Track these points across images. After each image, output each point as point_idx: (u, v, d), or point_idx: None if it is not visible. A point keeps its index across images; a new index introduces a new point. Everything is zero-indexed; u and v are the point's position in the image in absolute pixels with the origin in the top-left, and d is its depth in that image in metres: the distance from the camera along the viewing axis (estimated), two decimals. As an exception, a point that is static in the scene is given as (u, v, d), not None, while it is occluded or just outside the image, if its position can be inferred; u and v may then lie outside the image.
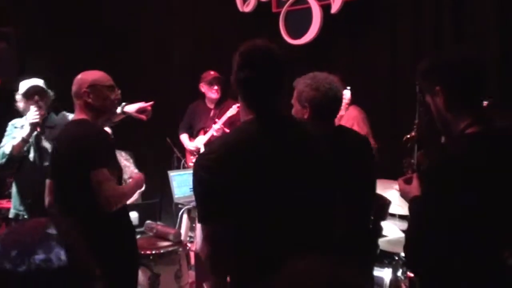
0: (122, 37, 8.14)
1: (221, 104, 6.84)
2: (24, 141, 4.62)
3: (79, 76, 3.81)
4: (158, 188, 7.24)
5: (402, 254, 4.02)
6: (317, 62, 5.72)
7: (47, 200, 3.81)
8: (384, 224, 3.53)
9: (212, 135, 6.68)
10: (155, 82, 7.98)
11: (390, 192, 4.32)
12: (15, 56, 6.61)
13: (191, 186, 6.24)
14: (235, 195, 2.23)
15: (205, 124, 6.87)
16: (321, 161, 2.43)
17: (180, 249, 4.98)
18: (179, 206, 6.02)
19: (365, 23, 6.33)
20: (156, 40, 8.24)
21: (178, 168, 6.99)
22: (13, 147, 4.63)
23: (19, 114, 4.87)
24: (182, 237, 5.32)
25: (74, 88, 3.76)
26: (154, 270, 4.72)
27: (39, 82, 4.79)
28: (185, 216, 6.01)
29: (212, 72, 6.80)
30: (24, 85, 4.76)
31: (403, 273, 4.07)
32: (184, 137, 7.05)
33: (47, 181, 3.84)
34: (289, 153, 2.32)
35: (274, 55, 2.39)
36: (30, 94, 4.68)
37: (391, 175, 4.58)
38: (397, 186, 4.35)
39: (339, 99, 3.18)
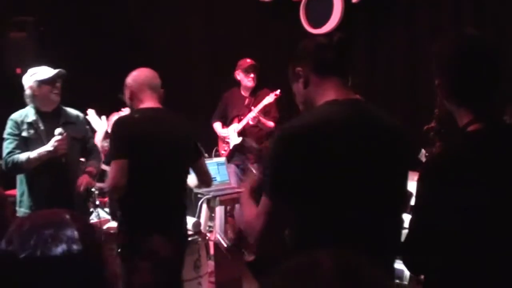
0: (140, 27, 8.14)
1: (257, 92, 6.77)
2: (39, 160, 4.32)
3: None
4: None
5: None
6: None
7: (122, 181, 3.74)
8: (405, 216, 3.50)
9: (247, 123, 6.61)
10: (174, 73, 7.97)
11: (411, 183, 4.27)
12: (34, 45, 6.64)
13: (212, 176, 6.25)
14: (310, 175, 2.20)
15: (240, 112, 6.77)
16: (399, 157, 2.42)
17: (200, 239, 4.99)
18: (199, 195, 6.02)
19: (386, 12, 6.28)
20: (174, 30, 8.22)
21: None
22: (29, 161, 4.33)
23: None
24: (202, 227, 5.32)
25: (159, 80, 4.12)
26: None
27: (52, 69, 4.54)
28: (204, 206, 6.00)
29: (248, 60, 6.70)
30: (41, 70, 4.52)
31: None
32: (217, 125, 6.98)
33: (122, 161, 3.74)
34: (373, 140, 2.30)
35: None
36: (54, 80, 4.48)
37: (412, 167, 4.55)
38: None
39: None
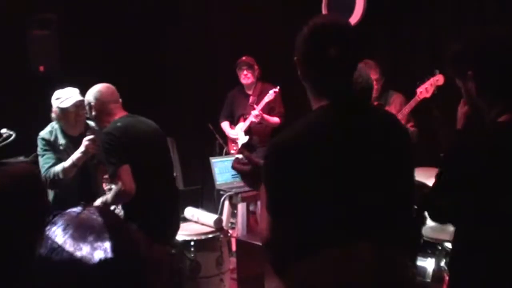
0: (164, 24, 8.15)
1: (259, 89, 6.78)
2: (75, 166, 4.43)
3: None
4: (200, 175, 7.26)
5: (446, 244, 3.94)
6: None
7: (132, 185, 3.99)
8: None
9: (252, 122, 6.64)
10: (197, 68, 7.98)
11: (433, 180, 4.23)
12: (57, 43, 6.67)
13: (233, 173, 6.27)
14: (307, 187, 2.09)
15: (244, 111, 6.83)
16: (398, 152, 2.28)
17: (222, 235, 4.99)
18: (221, 192, 6.02)
19: (410, 6, 6.23)
20: (197, 25, 8.21)
21: (220, 154, 6.99)
22: (64, 171, 4.43)
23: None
24: (224, 224, 5.32)
25: (117, 92, 4.31)
26: (195, 256, 4.73)
27: (76, 92, 4.57)
28: (226, 203, 6.00)
29: (244, 57, 6.74)
30: (64, 96, 4.54)
31: (446, 263, 4.00)
32: (225, 125, 7.03)
33: (128, 166, 3.99)
34: (367, 143, 2.18)
35: (351, 33, 2.22)
36: (77, 108, 4.51)
37: (434, 163, 4.51)
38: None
39: (370, 88, 3.15)
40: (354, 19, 6.37)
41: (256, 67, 6.74)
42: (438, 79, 4.98)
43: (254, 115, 6.55)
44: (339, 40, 2.16)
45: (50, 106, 4.61)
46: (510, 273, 2.18)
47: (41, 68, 6.32)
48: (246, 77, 6.73)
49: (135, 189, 3.99)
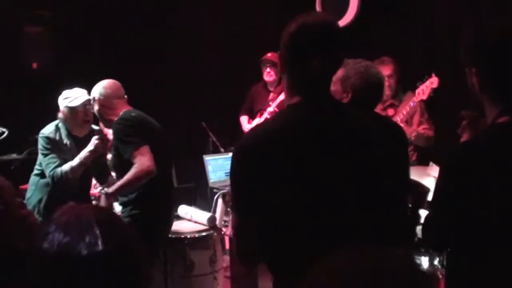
0: (159, 20, 8.13)
1: (281, 87, 6.76)
2: (83, 164, 4.37)
3: None
4: (193, 173, 7.25)
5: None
6: (355, 44, 5.64)
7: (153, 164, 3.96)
8: (422, 211, 3.49)
9: (266, 118, 6.63)
10: (190, 66, 7.96)
11: (428, 179, 4.24)
12: (50, 40, 6.65)
13: (227, 171, 6.28)
14: (272, 188, 2.08)
15: (263, 107, 6.80)
16: (372, 152, 2.26)
17: (215, 233, 4.98)
18: (214, 190, 6.02)
19: (403, 6, 6.23)
20: (194, 24, 8.19)
21: (213, 152, 6.97)
22: (73, 170, 4.36)
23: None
24: (217, 222, 5.31)
25: (122, 89, 4.39)
26: (188, 254, 4.73)
27: (84, 92, 4.54)
28: (220, 201, 6.00)
29: (269, 54, 6.71)
30: (73, 95, 4.51)
31: (440, 261, 4.01)
32: (243, 119, 7.01)
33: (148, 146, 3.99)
34: (338, 142, 2.16)
35: (335, 31, 2.20)
36: (85, 107, 4.48)
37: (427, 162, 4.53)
38: (433, 173, 4.30)
39: (382, 94, 3.28)
40: (348, 16, 6.38)
41: None
42: (433, 81, 4.98)
43: (269, 111, 6.54)
44: (322, 51, 2.16)
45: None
46: (508, 272, 2.18)
47: (34, 65, 6.30)
48: (268, 75, 6.72)
49: (155, 170, 3.95)
